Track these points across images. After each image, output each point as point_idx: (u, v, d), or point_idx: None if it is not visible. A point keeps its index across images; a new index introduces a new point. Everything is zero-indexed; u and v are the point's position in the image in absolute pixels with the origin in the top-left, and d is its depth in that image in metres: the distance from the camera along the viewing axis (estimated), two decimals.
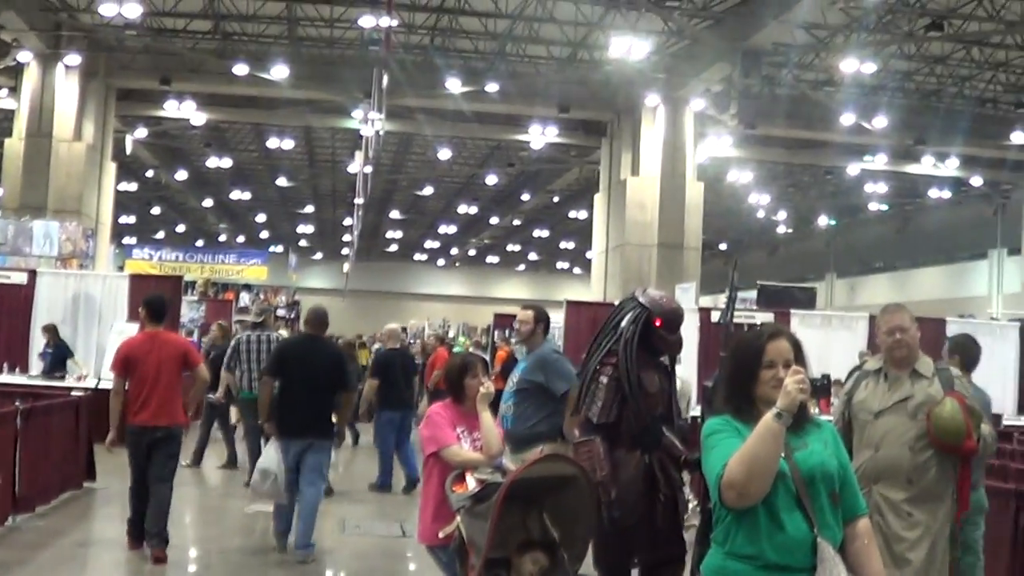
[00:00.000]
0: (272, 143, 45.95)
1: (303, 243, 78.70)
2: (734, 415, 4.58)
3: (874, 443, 6.88)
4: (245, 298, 39.85)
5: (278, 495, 11.36)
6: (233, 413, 18.45)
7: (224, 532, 13.58)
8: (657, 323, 7.61)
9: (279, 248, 72.54)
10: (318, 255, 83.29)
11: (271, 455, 11.35)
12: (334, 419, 12.00)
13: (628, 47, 30.95)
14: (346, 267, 69.89)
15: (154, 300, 11.56)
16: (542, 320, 9.71)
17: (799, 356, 4.61)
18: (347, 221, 61.82)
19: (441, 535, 6.90)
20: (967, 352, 8.88)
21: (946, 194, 52.96)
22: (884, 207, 58.57)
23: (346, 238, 68.86)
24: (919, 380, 6.90)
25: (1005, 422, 21.54)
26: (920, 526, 6.70)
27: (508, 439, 8.48)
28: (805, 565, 4.38)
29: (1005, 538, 8.80)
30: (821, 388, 18.68)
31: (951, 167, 44.55)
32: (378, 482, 17.12)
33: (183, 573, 11.39)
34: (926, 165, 44.15)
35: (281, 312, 34.93)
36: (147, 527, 10.94)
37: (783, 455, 4.37)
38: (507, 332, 27.44)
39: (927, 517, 6.71)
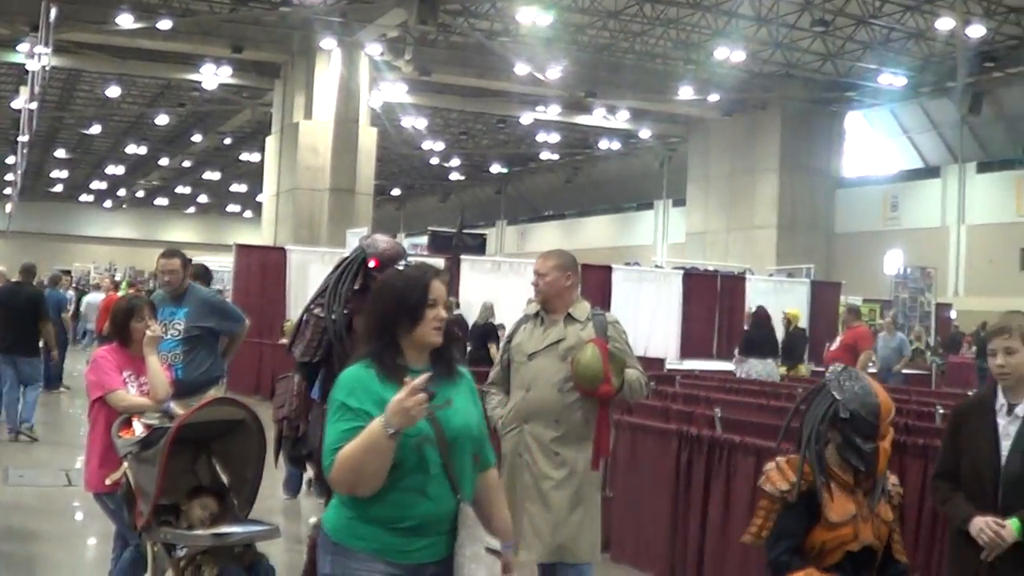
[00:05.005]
0: None
1: None
2: (379, 366, 4.23)
3: (526, 384, 7.03)
4: None
5: None
6: None
7: None
8: (373, 264, 7.44)
9: None
10: None
11: None
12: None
13: None
14: (8, 207, 67.17)
15: None
16: (187, 264, 9.62)
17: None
18: (10, 159, 59.49)
19: (108, 482, 6.74)
20: None
21: (616, 145, 54.54)
22: (555, 157, 59.81)
23: (8, 177, 66.33)
24: (572, 324, 7.07)
25: (668, 366, 22.41)
26: (566, 466, 6.89)
27: (182, 388, 8.33)
28: (445, 529, 4.26)
29: (668, 476, 9.12)
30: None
31: (621, 119, 45.92)
32: None
33: None
34: (597, 117, 45.36)
35: None
36: None
37: (427, 417, 4.07)
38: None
39: (574, 457, 6.91)
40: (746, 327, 20.97)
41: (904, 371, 22.57)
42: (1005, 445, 5.21)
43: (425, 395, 3.94)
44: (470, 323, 20.51)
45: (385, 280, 4.55)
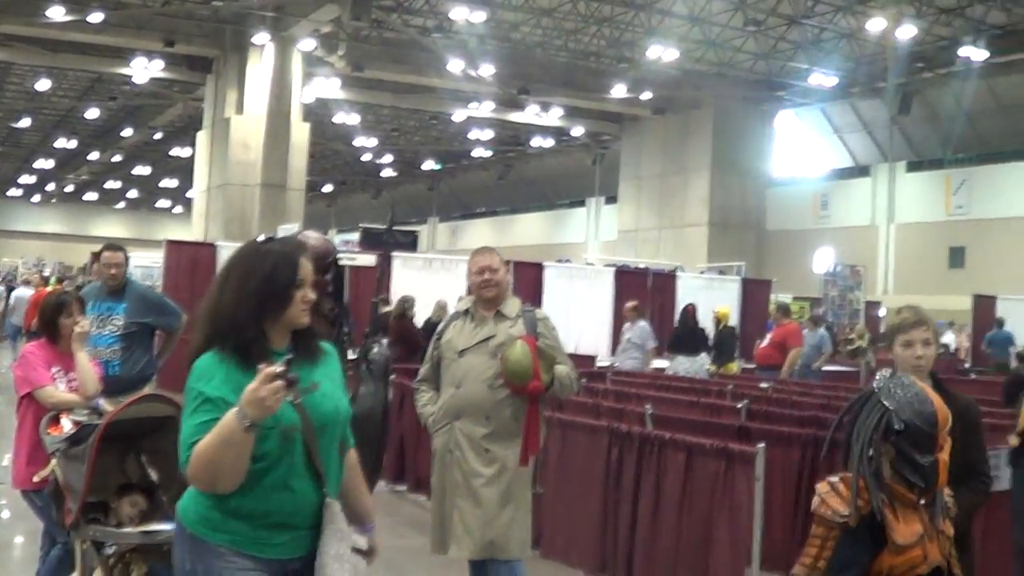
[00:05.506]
0: None
1: None
2: (241, 350, 3.96)
3: (456, 381, 7.05)
4: None
5: None
6: None
7: None
8: None
9: None
10: None
11: None
12: None
13: None
14: None
15: None
16: (128, 259, 9.54)
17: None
18: None
19: (36, 479, 6.68)
20: None
21: (548, 143, 54.64)
22: (488, 154, 59.87)
23: None
24: (503, 321, 7.10)
25: (599, 363, 22.42)
26: (497, 462, 6.92)
27: (119, 385, 8.26)
28: (308, 524, 4.01)
29: (599, 473, 9.16)
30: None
31: (554, 117, 46.05)
32: None
33: None
34: (530, 114, 45.46)
35: None
36: None
37: (292, 403, 3.85)
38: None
39: (504, 453, 6.94)
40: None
41: (835, 368, 22.75)
42: None
43: (282, 383, 3.67)
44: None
45: (247, 259, 4.16)
